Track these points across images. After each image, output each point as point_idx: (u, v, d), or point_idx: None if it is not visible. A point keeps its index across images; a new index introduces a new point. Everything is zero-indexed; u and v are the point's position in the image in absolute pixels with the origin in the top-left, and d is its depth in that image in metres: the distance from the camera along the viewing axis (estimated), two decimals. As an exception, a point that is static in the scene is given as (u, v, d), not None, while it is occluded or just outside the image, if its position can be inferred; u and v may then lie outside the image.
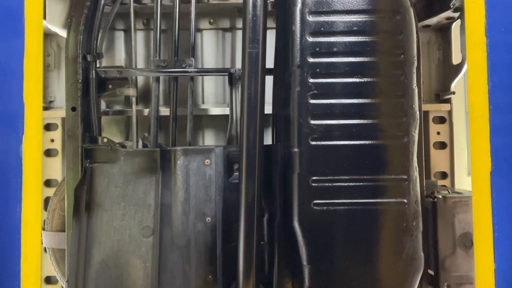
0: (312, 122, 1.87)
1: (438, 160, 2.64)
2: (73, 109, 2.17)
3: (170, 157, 2.11)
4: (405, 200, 1.88)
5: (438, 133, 2.65)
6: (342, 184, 1.89)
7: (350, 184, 1.89)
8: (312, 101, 1.87)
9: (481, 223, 1.57)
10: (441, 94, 2.67)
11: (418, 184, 1.91)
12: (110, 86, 2.33)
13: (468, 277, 2.14)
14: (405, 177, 1.88)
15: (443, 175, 2.66)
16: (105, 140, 2.22)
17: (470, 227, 2.05)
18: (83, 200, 2.10)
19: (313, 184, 1.90)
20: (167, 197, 2.08)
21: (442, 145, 2.66)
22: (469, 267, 2.15)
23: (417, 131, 1.89)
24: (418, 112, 1.89)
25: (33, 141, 1.56)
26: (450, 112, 2.63)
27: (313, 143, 1.88)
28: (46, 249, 2.36)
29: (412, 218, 1.89)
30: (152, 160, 2.12)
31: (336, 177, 1.89)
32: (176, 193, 2.09)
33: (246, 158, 1.90)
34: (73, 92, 2.17)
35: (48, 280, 2.69)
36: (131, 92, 2.35)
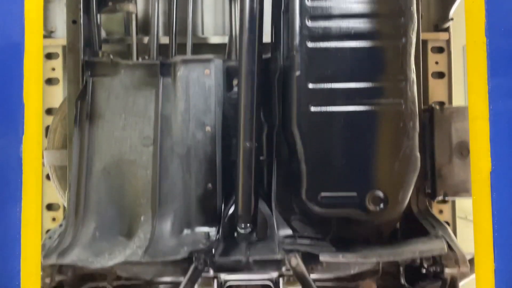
0: (311, 24, 1.89)
1: (436, 89, 2.64)
2: (74, 22, 2.20)
3: (170, 69, 2.13)
4: (402, 101, 1.90)
5: (437, 62, 2.65)
6: (340, 85, 1.92)
7: (348, 85, 1.91)
8: (311, 3, 1.90)
9: (481, 223, 1.57)
10: (440, 24, 2.67)
11: (415, 85, 1.92)
12: (110, 4, 2.32)
13: (464, 185, 2.18)
14: (402, 77, 1.90)
15: (441, 105, 2.66)
16: (105, 54, 2.23)
17: (466, 136, 2.06)
18: (84, 111, 2.12)
19: (312, 87, 1.92)
20: (167, 108, 2.10)
21: (440, 75, 2.66)
22: (465, 175, 2.18)
23: (414, 33, 1.91)
24: (416, 14, 1.90)
25: (33, 141, 1.56)
26: (448, 42, 2.63)
27: (312, 45, 1.90)
28: (48, 169, 2.37)
29: (409, 118, 1.91)
30: (152, 72, 2.14)
31: (334, 79, 1.91)
32: (176, 103, 2.11)
33: (245, 72, 1.93)
34: (73, 5, 2.19)
35: (50, 207, 2.71)
36: (130, 7, 2.33)
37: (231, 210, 2.11)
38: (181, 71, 2.12)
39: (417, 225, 2.15)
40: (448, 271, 1.97)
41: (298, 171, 1.97)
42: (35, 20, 1.59)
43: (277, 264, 1.97)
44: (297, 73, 1.92)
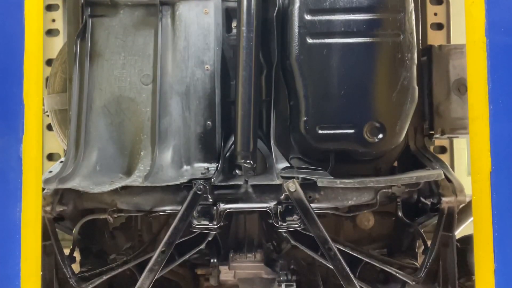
0: None
1: (435, 41, 2.63)
2: None
3: (169, 8, 2.13)
4: (401, 32, 1.92)
5: (435, 14, 2.67)
6: (338, 17, 1.94)
7: (347, 17, 1.93)
8: None
9: (481, 223, 1.57)
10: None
11: (413, 17, 1.95)
12: None
13: (462, 122, 2.19)
14: (401, 8, 1.92)
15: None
16: None
17: (464, 73, 2.08)
18: (84, 50, 2.13)
19: (310, 18, 1.94)
20: (166, 47, 2.11)
21: (439, 26, 2.67)
22: (462, 113, 2.19)
23: None
24: None
25: (33, 141, 1.56)
26: None
27: None
28: (49, 114, 2.38)
29: (407, 50, 1.94)
30: (152, 12, 2.14)
31: (333, 11, 1.94)
32: (175, 42, 2.11)
33: (244, 11, 1.94)
34: None
35: (50, 157, 2.73)
36: None
37: (231, 149, 2.13)
38: (180, 10, 2.12)
39: (414, 162, 2.18)
40: (445, 200, 1.98)
41: (297, 106, 2.00)
42: (35, 20, 1.59)
43: (275, 190, 1.99)
44: (296, 4, 1.95)
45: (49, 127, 2.68)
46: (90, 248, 2.29)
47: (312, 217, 1.91)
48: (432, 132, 2.25)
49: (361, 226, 2.25)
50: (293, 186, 1.91)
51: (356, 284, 1.91)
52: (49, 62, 2.65)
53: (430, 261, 2.00)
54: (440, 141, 2.65)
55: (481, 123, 1.57)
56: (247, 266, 2.16)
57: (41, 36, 1.63)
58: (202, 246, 2.07)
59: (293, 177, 1.93)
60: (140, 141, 2.08)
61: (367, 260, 2.04)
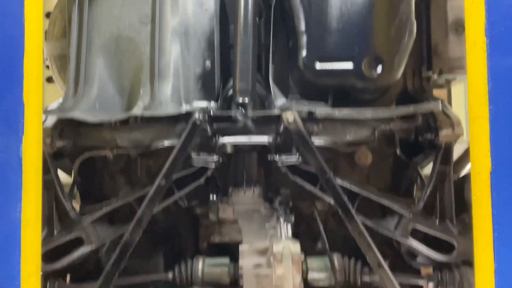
0: None
1: None
2: None
3: None
4: None
5: None
6: None
7: None
8: None
9: (481, 223, 1.57)
10: None
11: None
12: None
13: (460, 62, 2.19)
14: None
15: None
16: None
17: (462, 13, 2.04)
18: None
19: None
20: None
21: None
22: (460, 52, 2.18)
23: None
24: None
25: (33, 141, 1.56)
26: None
27: None
28: (48, 60, 2.39)
29: None
30: None
31: None
32: None
33: None
34: None
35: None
36: None
37: (230, 93, 2.14)
38: None
39: (412, 101, 2.18)
40: (442, 133, 1.99)
41: (296, 44, 2.00)
42: (35, 20, 1.59)
43: (274, 123, 2.01)
44: None
45: (49, 79, 2.69)
46: (90, 192, 2.29)
47: (311, 147, 1.92)
48: (430, 73, 2.25)
49: (359, 163, 2.23)
50: (291, 116, 1.91)
51: (355, 216, 1.92)
52: (48, 15, 2.64)
53: (427, 194, 2.01)
54: (437, 92, 2.63)
55: (481, 123, 1.57)
56: (246, 201, 2.17)
57: (41, 36, 1.63)
58: (201, 181, 2.07)
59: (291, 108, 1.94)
60: (139, 81, 2.07)
61: (365, 195, 2.04)
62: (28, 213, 1.53)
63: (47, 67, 2.43)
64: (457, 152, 2.16)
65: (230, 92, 2.11)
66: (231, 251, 2.17)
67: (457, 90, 2.60)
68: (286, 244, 1.92)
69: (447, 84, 2.59)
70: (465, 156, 2.22)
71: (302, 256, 1.91)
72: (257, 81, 2.12)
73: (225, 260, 2.11)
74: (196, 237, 2.33)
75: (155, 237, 2.37)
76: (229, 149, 2.09)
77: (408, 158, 2.21)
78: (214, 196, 2.15)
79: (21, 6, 1.56)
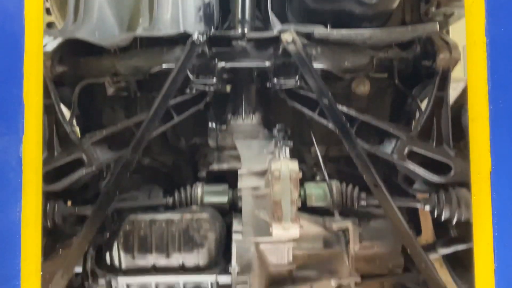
0: None
1: None
2: None
3: None
4: None
5: None
6: None
7: None
8: None
9: (481, 223, 1.57)
10: None
11: None
12: None
13: None
14: None
15: None
16: None
17: None
18: None
19: None
20: None
21: None
22: None
23: None
24: None
25: (33, 141, 1.56)
26: None
27: None
28: (48, 1, 2.45)
29: None
30: None
31: None
32: None
33: None
34: None
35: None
36: None
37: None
38: None
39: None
40: (440, 57, 2.00)
41: None
42: (35, 20, 1.59)
43: (273, 47, 2.04)
44: None
45: (49, 25, 2.71)
46: (89, 125, 2.31)
47: (309, 68, 1.92)
48: (428, 6, 2.27)
49: (357, 91, 2.25)
50: (290, 36, 1.92)
51: (353, 136, 1.92)
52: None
53: (424, 119, 2.02)
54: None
55: (481, 123, 1.57)
56: (245, 128, 2.20)
57: (41, 36, 1.63)
58: (201, 107, 2.11)
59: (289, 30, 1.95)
60: (138, 13, 2.11)
61: (363, 119, 2.05)
62: (28, 213, 1.53)
63: (47, 10, 2.47)
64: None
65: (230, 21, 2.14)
66: (229, 181, 2.18)
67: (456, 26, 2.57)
68: (284, 162, 1.95)
69: (445, 22, 2.59)
70: (463, 94, 2.20)
71: (300, 174, 1.92)
72: (256, 17, 2.14)
73: (224, 186, 2.15)
74: (195, 171, 2.34)
75: (155, 173, 2.43)
76: (227, 75, 2.13)
77: (407, 89, 2.22)
78: (213, 124, 2.17)
79: (21, 6, 1.56)
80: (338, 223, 2.01)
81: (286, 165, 1.91)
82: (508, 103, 1.55)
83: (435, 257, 2.12)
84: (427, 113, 2.02)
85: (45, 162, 1.95)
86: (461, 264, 2.30)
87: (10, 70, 1.55)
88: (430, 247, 2.13)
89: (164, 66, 2.09)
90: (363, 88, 2.24)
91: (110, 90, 2.29)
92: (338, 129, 1.92)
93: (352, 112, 2.04)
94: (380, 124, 2.06)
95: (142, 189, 2.27)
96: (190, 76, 2.02)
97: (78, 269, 2.10)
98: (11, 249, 1.51)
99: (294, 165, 1.92)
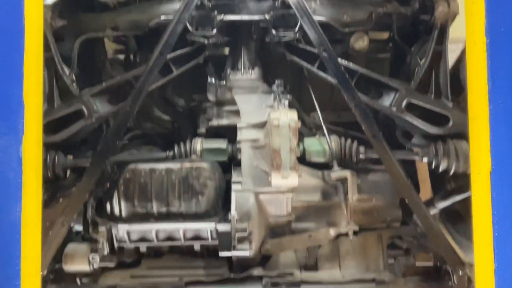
0: None
1: None
2: None
3: None
4: None
5: None
6: None
7: None
8: None
9: (481, 223, 1.57)
10: None
11: None
12: None
13: None
14: None
15: None
16: None
17: None
18: None
19: None
20: None
21: None
22: None
23: None
24: None
25: (33, 141, 1.56)
26: None
27: None
28: None
29: None
30: None
31: None
32: None
33: None
34: None
35: None
36: None
37: None
38: None
39: None
40: (439, 10, 1.99)
41: None
42: (35, 20, 1.59)
43: None
44: None
45: None
46: (89, 83, 2.28)
47: (309, 19, 1.92)
48: None
49: (356, 47, 2.23)
50: None
51: (353, 87, 1.91)
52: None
53: (423, 72, 2.02)
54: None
55: (481, 123, 1.57)
56: (244, 82, 2.20)
57: (41, 36, 1.63)
58: (200, 60, 2.11)
59: None
60: None
61: (362, 72, 2.05)
62: (28, 213, 1.53)
63: None
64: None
65: None
66: (229, 138, 2.18)
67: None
68: (284, 111, 1.95)
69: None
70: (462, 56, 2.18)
71: (299, 123, 1.92)
72: None
73: (223, 140, 2.15)
74: (195, 130, 2.34)
75: (155, 137, 2.43)
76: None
77: (407, 46, 2.22)
78: (213, 79, 2.17)
79: (21, 6, 1.56)
80: (336, 172, 2.01)
81: (285, 114, 1.92)
82: (508, 103, 1.55)
83: (433, 213, 2.12)
84: (426, 67, 2.02)
85: (45, 114, 1.93)
86: (459, 221, 2.32)
87: (10, 70, 1.55)
88: (428, 203, 2.12)
89: (163, 18, 2.10)
90: (362, 43, 2.22)
91: (110, 52, 2.27)
92: (338, 80, 1.91)
93: (351, 66, 2.05)
94: (379, 77, 2.06)
95: (142, 149, 2.28)
96: (189, 27, 2.01)
97: (79, 228, 2.13)
98: (11, 249, 1.51)
99: (293, 114, 1.93)
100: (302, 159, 2.06)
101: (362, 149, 2.08)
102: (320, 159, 2.11)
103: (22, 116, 1.54)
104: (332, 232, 2.05)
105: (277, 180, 1.89)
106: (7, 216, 1.52)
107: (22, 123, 1.54)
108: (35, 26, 1.59)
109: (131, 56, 2.52)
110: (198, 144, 2.13)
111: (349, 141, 2.11)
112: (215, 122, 2.21)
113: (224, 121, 2.21)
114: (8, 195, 1.53)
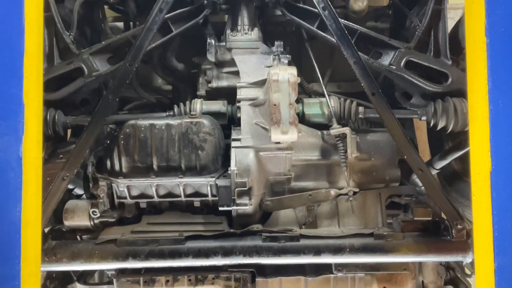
0: None
1: None
2: None
3: None
4: None
5: None
6: None
7: None
8: None
9: (481, 223, 1.57)
10: None
11: None
12: None
13: None
14: None
15: None
16: None
17: None
18: None
19: None
20: None
21: None
22: None
23: None
24: None
25: (33, 141, 1.56)
26: None
27: None
28: None
29: None
30: None
31: None
32: None
33: None
34: None
35: None
36: None
37: None
38: None
39: None
40: None
41: None
42: (35, 20, 1.59)
43: None
44: None
45: None
46: (89, 43, 2.30)
47: None
48: None
49: (355, 8, 2.24)
50: None
51: (353, 45, 1.89)
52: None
53: (422, 31, 2.03)
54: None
55: (481, 123, 1.57)
56: (244, 43, 2.19)
57: (41, 36, 1.63)
58: (199, 20, 2.11)
59: None
60: None
61: (363, 31, 2.05)
62: (28, 213, 1.53)
63: None
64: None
65: None
66: (228, 100, 2.19)
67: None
68: (283, 67, 1.96)
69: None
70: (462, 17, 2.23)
71: (299, 79, 1.92)
72: None
73: (223, 101, 2.16)
74: (194, 93, 2.34)
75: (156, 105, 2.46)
76: None
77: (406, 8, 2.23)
78: (212, 40, 2.17)
79: (21, 6, 1.56)
80: (335, 129, 2.00)
81: (284, 69, 1.93)
82: (508, 103, 1.55)
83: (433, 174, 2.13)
84: (425, 26, 2.04)
85: (46, 72, 1.96)
86: (457, 181, 2.34)
87: (10, 70, 1.55)
88: (427, 164, 2.12)
89: None
90: (361, 4, 2.23)
91: (110, 19, 2.29)
92: (337, 38, 1.90)
93: (351, 25, 2.05)
94: (379, 35, 2.07)
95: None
96: None
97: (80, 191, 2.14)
98: (11, 249, 1.51)
99: (292, 69, 1.93)
100: (301, 121, 2.07)
101: (361, 108, 2.08)
102: (320, 120, 2.12)
103: (22, 116, 1.54)
104: (333, 192, 2.05)
105: (277, 135, 1.89)
106: (7, 216, 1.52)
107: (22, 123, 1.54)
108: (35, 26, 1.59)
109: (131, 24, 2.52)
110: (198, 104, 2.13)
111: (348, 101, 2.11)
112: (214, 84, 2.22)
113: (224, 83, 2.22)
114: (8, 195, 1.52)
